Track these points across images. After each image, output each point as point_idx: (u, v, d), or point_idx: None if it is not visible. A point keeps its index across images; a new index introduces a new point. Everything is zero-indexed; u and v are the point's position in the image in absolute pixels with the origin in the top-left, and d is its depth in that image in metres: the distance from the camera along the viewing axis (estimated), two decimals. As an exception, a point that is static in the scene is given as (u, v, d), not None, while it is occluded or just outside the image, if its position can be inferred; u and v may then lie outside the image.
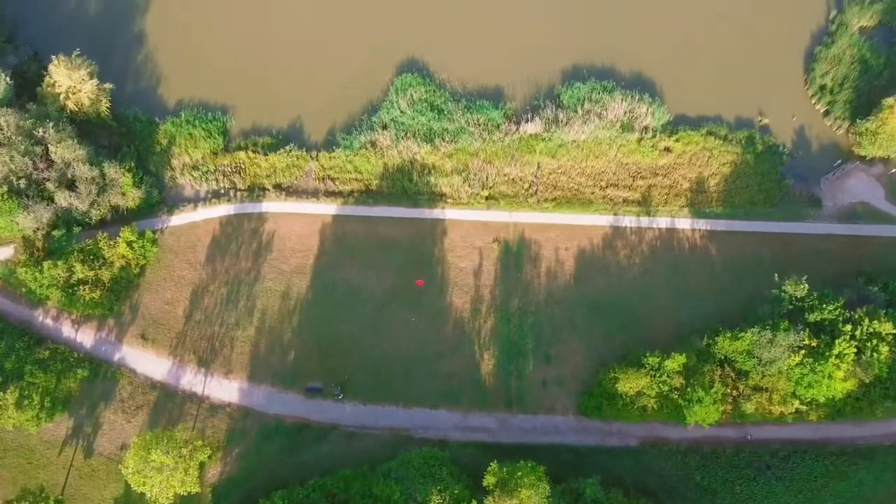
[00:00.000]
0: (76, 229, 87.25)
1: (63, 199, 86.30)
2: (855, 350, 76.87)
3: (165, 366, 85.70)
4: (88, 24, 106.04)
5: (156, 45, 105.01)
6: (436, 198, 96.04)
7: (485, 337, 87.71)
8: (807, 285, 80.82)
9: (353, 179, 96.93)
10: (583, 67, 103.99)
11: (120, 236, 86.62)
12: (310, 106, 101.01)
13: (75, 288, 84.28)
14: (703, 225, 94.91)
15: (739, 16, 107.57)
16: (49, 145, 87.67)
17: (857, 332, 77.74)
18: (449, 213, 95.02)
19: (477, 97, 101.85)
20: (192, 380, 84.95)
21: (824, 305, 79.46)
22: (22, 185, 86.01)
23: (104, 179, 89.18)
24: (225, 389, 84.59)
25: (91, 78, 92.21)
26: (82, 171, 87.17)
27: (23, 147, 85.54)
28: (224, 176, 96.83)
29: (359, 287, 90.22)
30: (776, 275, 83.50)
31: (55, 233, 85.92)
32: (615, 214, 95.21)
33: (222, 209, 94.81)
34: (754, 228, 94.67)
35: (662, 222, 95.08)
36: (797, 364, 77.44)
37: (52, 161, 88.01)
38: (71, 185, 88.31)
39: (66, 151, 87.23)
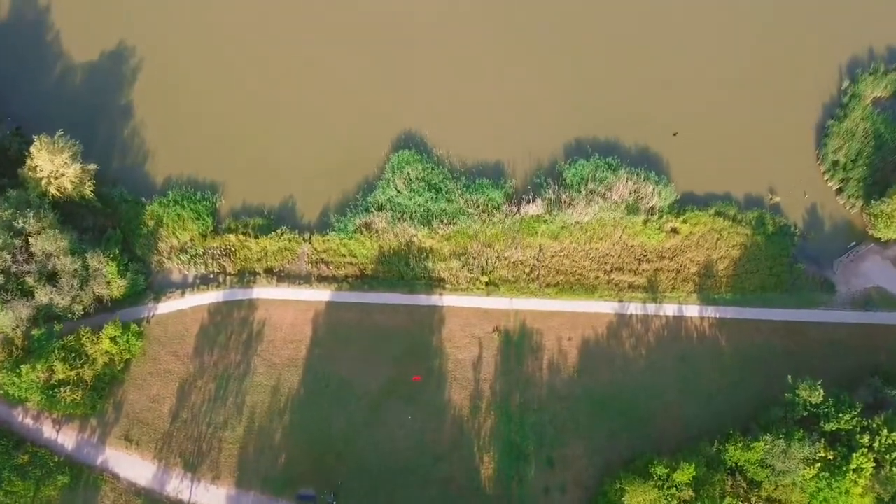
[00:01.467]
0: (57, 326, 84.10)
1: (44, 294, 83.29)
2: (873, 464, 73.82)
3: (150, 470, 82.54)
4: (73, 97, 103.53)
5: (143, 119, 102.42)
6: (434, 283, 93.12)
7: (484, 437, 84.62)
8: (822, 391, 77.73)
9: (347, 263, 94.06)
10: (586, 142, 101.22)
11: (103, 332, 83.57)
12: (303, 183, 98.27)
13: (56, 389, 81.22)
14: (711, 312, 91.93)
15: (747, 88, 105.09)
16: (29, 237, 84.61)
17: (876, 444, 74.71)
18: (447, 300, 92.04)
19: (476, 174, 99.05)
20: (178, 485, 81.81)
21: (841, 415, 76.39)
22: (0, 281, 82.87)
23: (87, 271, 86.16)
24: (212, 496, 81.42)
25: (74, 161, 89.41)
26: (64, 265, 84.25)
27: (1, 241, 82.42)
28: (213, 259, 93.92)
29: (353, 381, 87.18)
30: (790, 377, 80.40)
31: (35, 332, 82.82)
32: (620, 301, 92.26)
33: (211, 295, 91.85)
34: (765, 316, 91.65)
35: (669, 309, 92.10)
36: (812, 477, 74.36)
37: (33, 253, 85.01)
38: (52, 277, 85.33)
39: (48, 243, 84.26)
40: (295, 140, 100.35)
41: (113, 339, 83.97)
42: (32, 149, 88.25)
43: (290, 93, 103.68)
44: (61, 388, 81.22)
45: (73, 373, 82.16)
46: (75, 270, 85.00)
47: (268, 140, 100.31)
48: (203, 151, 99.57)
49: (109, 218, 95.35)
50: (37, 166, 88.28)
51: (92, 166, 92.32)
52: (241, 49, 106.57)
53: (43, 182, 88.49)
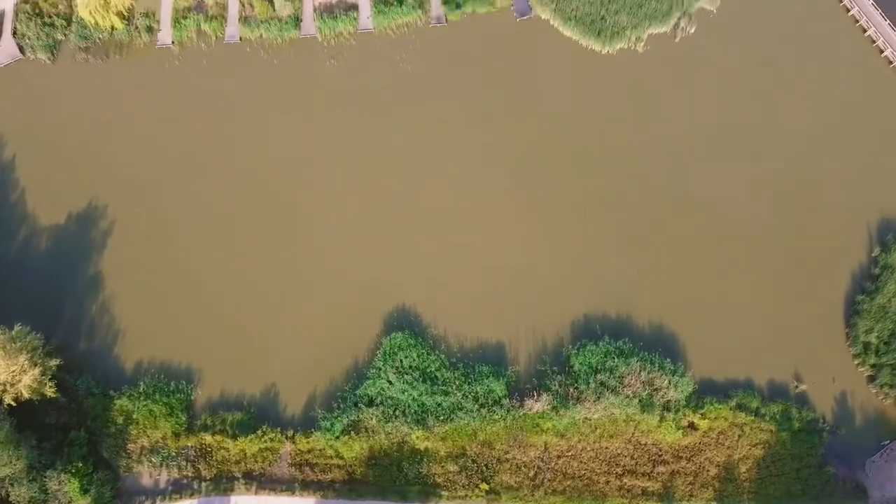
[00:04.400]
0: (10, 563, 77.54)
1: (-5, 528, 76.60)
2: None
3: None
4: (36, 267, 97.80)
5: (113, 293, 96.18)
6: (429, 490, 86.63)
7: None
8: None
9: (334, 466, 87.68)
10: (595, 320, 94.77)
11: (62, 565, 76.96)
12: (287, 369, 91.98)
13: None
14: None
15: (769, 255, 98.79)
16: (-19, 461, 77.94)
17: None
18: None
19: (475, 358, 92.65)
20: None
21: None
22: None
23: (46, 494, 79.42)
24: None
25: (34, 363, 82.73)
26: (19, 494, 77.48)
27: (-53, 470, 75.92)
28: (187, 462, 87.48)
29: None
30: None
31: (-16, 577, 76.23)
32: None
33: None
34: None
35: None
36: None
37: (-17, 480, 78.33)
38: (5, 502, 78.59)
39: (1, 468, 77.45)
40: (278, 320, 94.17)
41: (74, 571, 77.37)
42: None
43: (274, 268, 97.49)
44: None
45: None
46: (31, 498, 78.26)
47: (249, 320, 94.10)
48: (178, 332, 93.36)
49: (74, 414, 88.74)
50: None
51: (54, 362, 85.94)
52: (221, 219, 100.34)
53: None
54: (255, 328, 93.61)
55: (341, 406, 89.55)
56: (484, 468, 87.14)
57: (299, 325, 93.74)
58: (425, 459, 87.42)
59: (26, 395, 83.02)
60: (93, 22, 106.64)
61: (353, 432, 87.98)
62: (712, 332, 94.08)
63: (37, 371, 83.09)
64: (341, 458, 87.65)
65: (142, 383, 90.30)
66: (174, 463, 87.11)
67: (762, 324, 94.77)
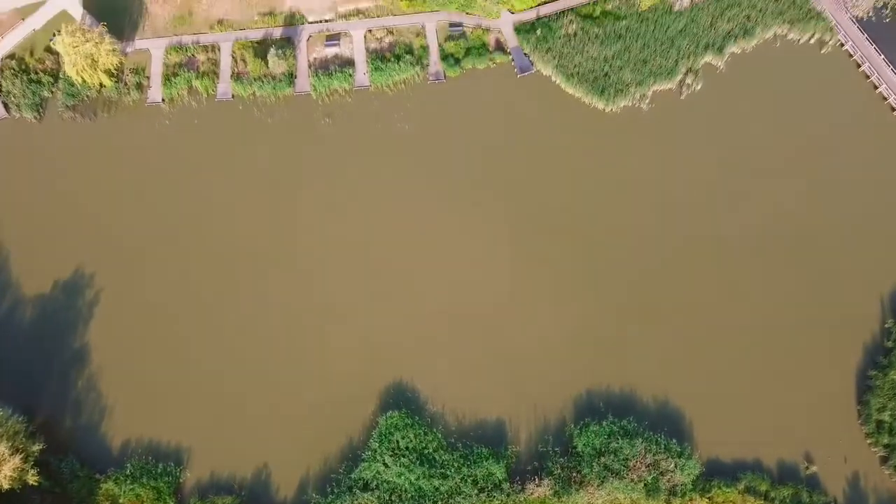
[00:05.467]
0: None
1: None
2: None
3: None
4: (20, 339, 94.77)
5: (100, 366, 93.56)
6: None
7: None
8: None
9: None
10: (598, 396, 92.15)
11: None
12: (279, 451, 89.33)
13: None
14: None
15: (776, 325, 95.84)
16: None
17: None
18: None
19: (475, 438, 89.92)
20: None
21: None
22: None
23: None
24: None
25: (15, 453, 79.95)
26: None
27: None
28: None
29: None
30: None
31: None
32: None
33: None
34: None
35: None
36: None
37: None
38: None
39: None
40: (272, 398, 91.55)
41: None
42: (-36, 446, 78.98)
43: (267, 344, 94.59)
44: None
45: None
46: None
47: (241, 398, 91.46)
48: (167, 409, 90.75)
49: (58, 499, 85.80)
50: (-32, 468, 78.96)
51: (37, 447, 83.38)
52: (213, 288, 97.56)
53: (-25, 483, 79.20)
54: (248, 406, 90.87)
55: (335, 491, 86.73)
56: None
57: (293, 403, 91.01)
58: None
59: (6, 485, 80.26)
60: (80, 80, 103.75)
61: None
62: (720, 409, 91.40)
63: (18, 459, 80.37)
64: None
65: (129, 465, 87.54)
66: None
67: (771, 400, 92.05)
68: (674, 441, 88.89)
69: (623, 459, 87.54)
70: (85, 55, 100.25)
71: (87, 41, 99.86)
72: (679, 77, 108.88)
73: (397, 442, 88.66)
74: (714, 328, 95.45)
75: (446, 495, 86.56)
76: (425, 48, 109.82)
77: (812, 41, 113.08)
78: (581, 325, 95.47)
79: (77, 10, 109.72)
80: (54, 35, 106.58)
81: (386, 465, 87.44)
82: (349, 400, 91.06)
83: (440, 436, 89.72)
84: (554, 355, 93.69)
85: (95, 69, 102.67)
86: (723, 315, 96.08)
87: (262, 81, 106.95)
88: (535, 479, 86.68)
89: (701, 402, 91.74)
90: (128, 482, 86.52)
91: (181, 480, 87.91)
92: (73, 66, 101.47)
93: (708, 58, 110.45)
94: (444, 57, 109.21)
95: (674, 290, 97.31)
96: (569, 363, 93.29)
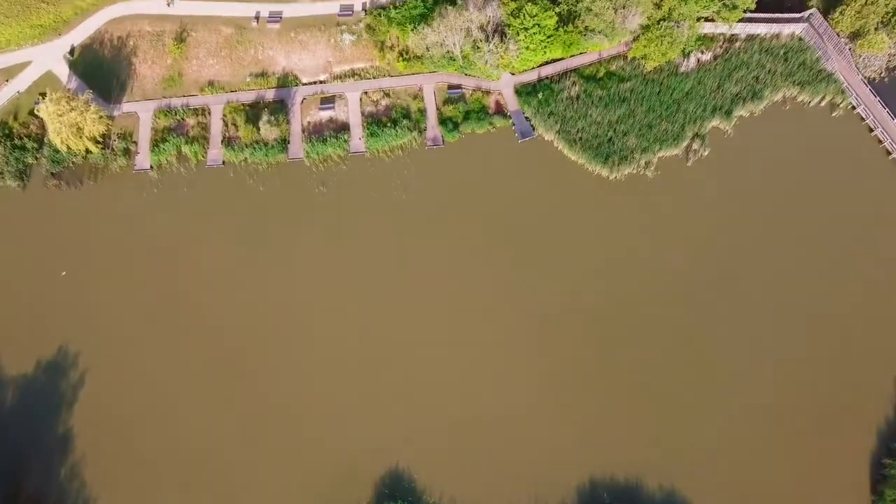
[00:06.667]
0: None
1: None
2: None
3: None
4: (1, 426, 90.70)
5: (83, 455, 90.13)
6: None
7: None
8: None
9: None
10: (602, 485, 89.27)
11: None
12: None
13: None
14: None
15: (787, 418, 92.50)
16: None
17: None
18: None
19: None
20: None
21: None
22: None
23: None
24: None
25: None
26: None
27: None
28: None
29: None
30: None
31: None
32: None
33: None
34: None
35: None
36: None
37: None
38: None
39: None
40: (264, 481, 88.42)
41: None
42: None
43: (260, 421, 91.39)
44: None
45: None
46: None
47: (230, 481, 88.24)
48: (154, 489, 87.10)
49: None
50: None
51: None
52: (201, 370, 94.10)
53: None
54: (238, 493, 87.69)
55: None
56: None
57: (286, 492, 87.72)
58: None
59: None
60: (65, 148, 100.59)
61: None
62: (729, 500, 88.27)
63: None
64: None
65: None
66: None
67: (783, 491, 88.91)
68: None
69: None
70: (70, 124, 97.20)
71: (72, 109, 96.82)
72: (685, 142, 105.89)
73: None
74: (723, 417, 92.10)
75: None
76: (423, 111, 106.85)
77: (823, 104, 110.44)
78: (585, 412, 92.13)
79: (63, 71, 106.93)
80: (39, 98, 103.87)
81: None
82: (344, 489, 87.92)
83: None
84: (556, 443, 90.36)
85: (81, 137, 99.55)
86: (732, 403, 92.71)
87: (254, 147, 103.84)
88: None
89: (709, 493, 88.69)
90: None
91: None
92: (57, 134, 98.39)
93: (715, 122, 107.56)
94: (443, 121, 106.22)
95: (682, 378, 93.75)
96: (572, 451, 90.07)
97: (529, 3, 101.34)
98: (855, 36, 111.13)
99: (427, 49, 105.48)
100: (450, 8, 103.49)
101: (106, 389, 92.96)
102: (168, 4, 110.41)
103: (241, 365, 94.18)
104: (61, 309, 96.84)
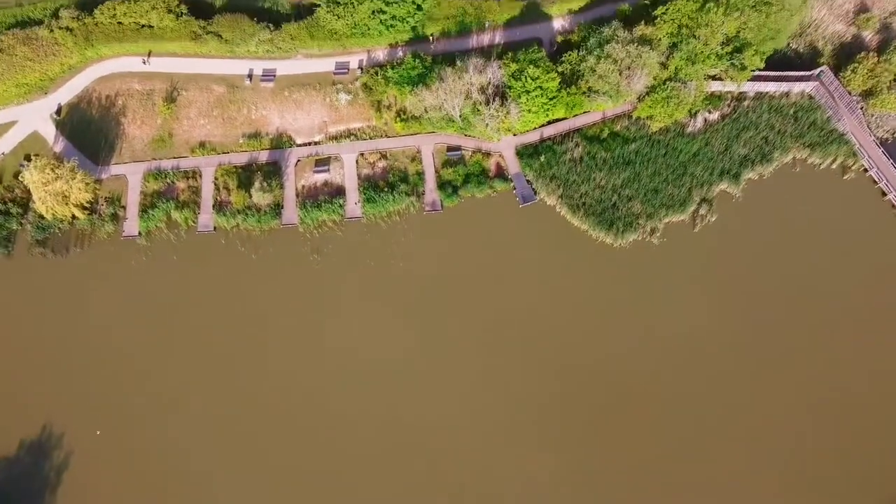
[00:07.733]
0: None
1: None
2: None
3: None
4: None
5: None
6: None
7: None
8: None
9: None
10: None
11: None
12: None
13: None
14: None
15: (798, 482, 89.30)
16: None
17: None
18: None
19: None
20: None
21: None
22: None
23: None
24: None
25: None
26: None
27: None
28: None
29: None
30: None
31: None
32: None
33: None
34: None
35: None
36: None
37: None
38: None
39: None
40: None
41: None
42: None
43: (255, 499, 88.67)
44: None
45: None
46: None
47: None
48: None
49: None
50: None
51: None
52: (195, 439, 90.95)
53: None
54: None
55: None
56: None
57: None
58: None
59: None
60: (51, 216, 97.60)
61: None
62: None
63: None
64: None
65: None
66: None
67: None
68: None
69: None
70: (55, 193, 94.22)
71: (58, 178, 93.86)
72: (692, 208, 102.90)
73: None
74: (732, 481, 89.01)
75: None
76: (421, 175, 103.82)
77: (834, 165, 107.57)
78: (585, 480, 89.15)
79: (50, 132, 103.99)
80: (25, 162, 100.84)
81: None
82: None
83: None
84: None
85: (67, 204, 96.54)
86: (741, 467, 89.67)
87: (247, 213, 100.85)
88: None
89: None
90: None
91: None
92: (42, 203, 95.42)
93: (723, 185, 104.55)
94: (442, 185, 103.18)
95: (688, 444, 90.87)
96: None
97: (531, 66, 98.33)
98: (867, 95, 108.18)
99: (426, 111, 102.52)
100: (449, 70, 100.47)
101: (90, 478, 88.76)
102: (144, 62, 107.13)
103: (232, 439, 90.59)
104: (43, 385, 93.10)
